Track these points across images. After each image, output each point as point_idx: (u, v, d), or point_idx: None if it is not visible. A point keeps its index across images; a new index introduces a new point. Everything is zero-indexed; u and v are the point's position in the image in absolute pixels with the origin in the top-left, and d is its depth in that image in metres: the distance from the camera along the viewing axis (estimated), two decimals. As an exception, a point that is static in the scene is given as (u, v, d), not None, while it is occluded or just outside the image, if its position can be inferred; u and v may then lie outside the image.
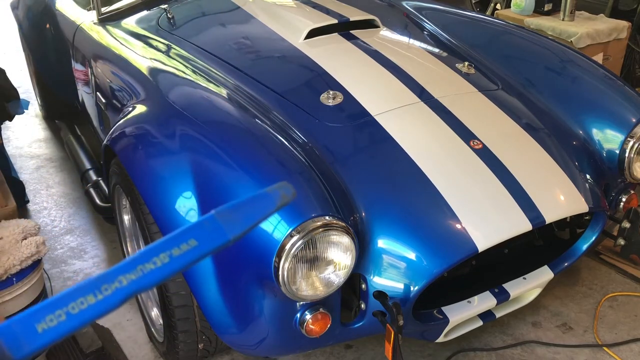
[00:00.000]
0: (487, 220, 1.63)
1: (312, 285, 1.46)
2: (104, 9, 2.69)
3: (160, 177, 1.63)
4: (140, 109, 1.89)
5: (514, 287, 1.81)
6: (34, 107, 4.08)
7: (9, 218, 2.16)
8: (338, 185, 1.62)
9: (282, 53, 2.23)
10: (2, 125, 3.21)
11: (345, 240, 1.45)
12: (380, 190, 1.65)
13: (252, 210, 0.52)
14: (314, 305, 1.53)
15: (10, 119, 3.17)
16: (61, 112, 3.60)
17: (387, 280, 1.57)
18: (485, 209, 1.65)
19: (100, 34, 2.58)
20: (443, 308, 1.73)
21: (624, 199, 1.99)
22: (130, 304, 2.30)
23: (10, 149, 3.62)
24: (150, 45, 2.35)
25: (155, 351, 2.09)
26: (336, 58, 2.17)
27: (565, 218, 1.93)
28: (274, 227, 1.41)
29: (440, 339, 1.78)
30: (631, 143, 1.94)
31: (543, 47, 2.37)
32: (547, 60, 2.29)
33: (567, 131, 2.01)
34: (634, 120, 1.98)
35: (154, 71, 2.11)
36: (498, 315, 1.87)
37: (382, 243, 1.57)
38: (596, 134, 2.00)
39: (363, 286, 1.59)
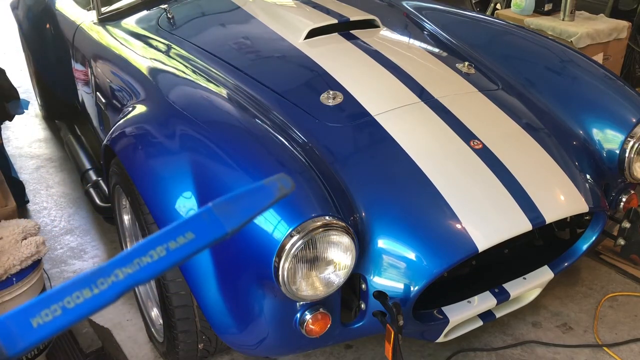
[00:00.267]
0: (487, 220, 1.63)
1: (312, 285, 1.46)
2: (104, 9, 2.69)
3: (160, 177, 1.63)
4: (140, 109, 1.88)
5: (514, 287, 1.81)
6: (34, 107, 4.08)
7: (9, 218, 2.16)
8: (338, 185, 1.62)
9: (282, 53, 2.23)
10: (2, 125, 3.21)
11: (345, 240, 1.45)
12: (380, 190, 1.65)
13: (249, 202, 0.52)
14: (314, 305, 1.53)
15: (10, 119, 3.17)
16: (61, 112, 3.60)
17: (387, 280, 1.57)
18: (485, 209, 1.65)
19: (100, 34, 2.58)
20: (443, 308, 1.73)
21: (624, 199, 1.99)
22: (130, 304, 2.30)
23: (10, 149, 3.62)
24: (150, 45, 2.35)
25: (155, 351, 2.09)
26: (336, 58, 2.17)
27: (565, 218, 1.93)
28: (274, 227, 1.41)
29: (440, 339, 1.78)
30: (631, 143, 1.94)
31: (543, 47, 2.37)
32: (547, 60, 2.29)
33: (567, 131, 2.01)
34: (634, 120, 1.98)
35: (154, 71, 2.11)
36: (498, 315, 1.87)
37: (382, 243, 1.57)
38: (596, 134, 2.00)
39: (363, 286, 1.59)
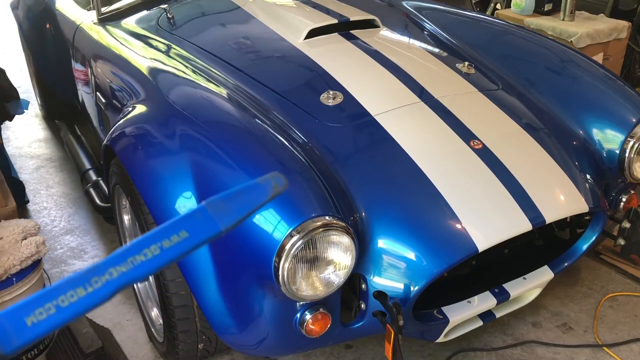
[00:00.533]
0: (487, 220, 1.63)
1: (312, 285, 1.46)
2: (104, 9, 2.69)
3: (160, 177, 1.63)
4: (140, 109, 1.89)
5: (514, 287, 1.81)
6: (34, 107, 4.08)
7: (9, 218, 2.16)
8: (338, 185, 1.62)
9: (282, 53, 2.23)
10: (2, 125, 3.21)
11: (345, 240, 1.45)
12: (380, 190, 1.65)
13: (243, 201, 0.52)
14: (314, 305, 1.53)
15: (10, 119, 3.17)
16: (61, 112, 3.60)
17: (387, 280, 1.57)
18: (486, 209, 1.65)
19: (100, 34, 2.58)
20: (443, 308, 1.73)
21: (624, 199, 1.99)
22: (130, 304, 2.30)
23: (10, 149, 3.62)
24: (150, 45, 2.35)
25: (155, 351, 2.09)
26: (336, 58, 2.17)
27: (565, 218, 1.93)
28: (274, 227, 1.41)
29: (440, 339, 1.78)
30: (631, 143, 1.94)
31: (543, 47, 2.37)
32: (547, 60, 2.29)
33: (567, 131, 2.01)
34: (634, 120, 1.98)
35: (154, 71, 2.11)
36: (498, 315, 1.87)
37: (382, 243, 1.57)
38: (596, 134, 2.00)
39: (363, 286, 1.59)
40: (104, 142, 1.93)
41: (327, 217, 1.43)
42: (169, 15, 2.57)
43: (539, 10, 3.76)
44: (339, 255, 1.46)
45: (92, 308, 0.46)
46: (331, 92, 1.95)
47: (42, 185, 3.27)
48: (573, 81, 2.17)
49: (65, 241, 2.75)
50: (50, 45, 3.24)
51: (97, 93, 2.46)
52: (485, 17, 2.86)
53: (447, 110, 1.92)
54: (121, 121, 1.87)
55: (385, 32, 2.44)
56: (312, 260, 1.44)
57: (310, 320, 1.52)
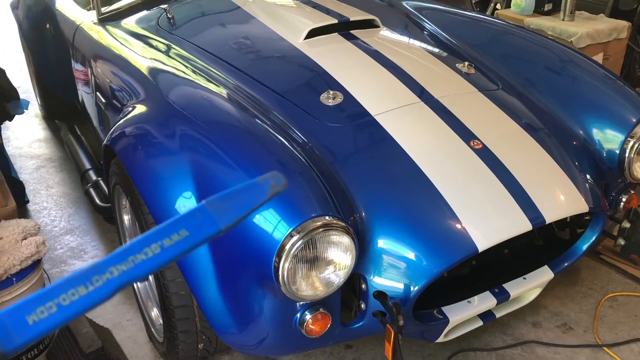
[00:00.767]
0: (487, 220, 1.63)
1: (312, 285, 1.46)
2: (104, 9, 2.69)
3: (160, 177, 1.63)
4: (140, 109, 1.89)
5: (514, 287, 1.81)
6: (34, 107, 4.08)
7: (9, 218, 2.16)
8: (338, 185, 1.62)
9: (282, 53, 2.23)
10: (2, 125, 3.21)
11: (345, 240, 1.45)
12: (380, 190, 1.65)
13: (243, 200, 0.52)
14: (314, 305, 1.53)
15: (10, 119, 3.17)
16: (61, 112, 3.60)
17: (387, 280, 1.57)
18: (485, 209, 1.65)
19: (100, 34, 2.58)
20: (443, 308, 1.73)
21: (624, 199, 1.99)
22: (130, 304, 2.30)
23: (10, 149, 3.62)
24: (150, 45, 2.35)
25: (155, 351, 2.09)
26: (336, 58, 2.17)
27: (565, 218, 1.93)
28: (274, 227, 1.41)
29: (440, 339, 1.78)
30: (631, 143, 1.94)
31: (543, 47, 2.37)
32: (547, 60, 2.29)
33: (567, 131, 2.01)
34: (634, 120, 1.98)
35: (154, 71, 2.11)
36: (498, 315, 1.87)
37: (382, 243, 1.57)
38: (596, 134, 2.00)
39: (363, 286, 1.59)
40: (104, 142, 1.93)
41: (327, 217, 1.43)
42: (169, 15, 2.57)
43: (539, 10, 3.76)
44: (339, 255, 1.46)
45: (93, 306, 0.46)
46: (331, 92, 1.95)
47: (42, 185, 3.27)
48: (573, 81, 2.17)
49: (65, 241, 2.75)
50: (50, 45, 3.24)
51: (97, 93, 2.46)
52: (485, 17, 2.86)
53: (447, 110, 1.92)
54: (121, 121, 1.87)
55: (385, 32, 2.44)
56: (312, 260, 1.44)
57: (310, 320, 1.52)
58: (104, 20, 2.66)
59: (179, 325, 1.74)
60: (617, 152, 1.96)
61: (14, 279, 1.86)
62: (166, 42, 2.37)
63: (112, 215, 2.25)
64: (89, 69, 2.55)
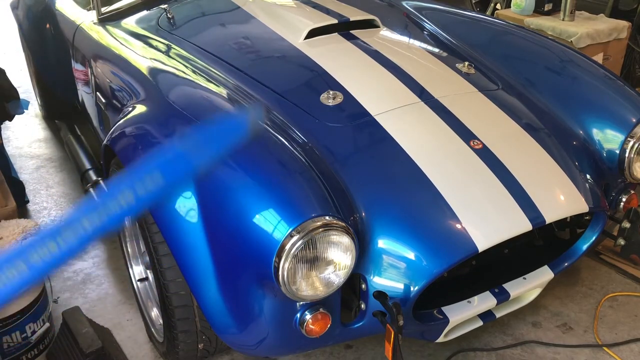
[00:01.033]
0: (487, 220, 1.63)
1: (312, 285, 1.46)
2: (104, 9, 2.69)
3: (160, 177, 1.63)
4: (140, 109, 1.89)
5: (514, 287, 1.81)
6: (34, 107, 4.08)
7: (9, 218, 2.16)
8: (338, 185, 1.62)
9: (282, 53, 2.23)
10: (2, 125, 3.21)
11: (345, 240, 1.45)
12: (380, 190, 1.65)
13: (219, 136, 0.51)
14: (314, 305, 1.53)
15: (10, 119, 3.17)
16: (61, 112, 3.59)
17: (387, 280, 1.57)
18: (485, 209, 1.65)
19: (100, 34, 2.58)
20: (443, 308, 1.73)
21: (624, 199, 1.99)
22: (131, 304, 2.30)
23: (10, 149, 3.62)
24: (150, 45, 2.35)
25: (155, 351, 2.09)
26: (336, 58, 2.17)
27: (565, 218, 1.93)
28: (274, 227, 1.41)
29: (440, 339, 1.78)
30: (631, 143, 1.94)
31: (543, 47, 2.37)
32: (547, 60, 2.29)
33: (567, 131, 2.01)
34: (634, 120, 1.98)
35: (154, 71, 2.11)
36: (498, 315, 1.87)
37: (382, 243, 1.57)
38: (596, 134, 2.00)
39: (363, 286, 1.59)
40: (104, 142, 1.93)
41: (327, 217, 1.43)
42: (169, 15, 2.57)
43: (539, 10, 3.76)
44: (339, 255, 1.46)
45: (67, 262, 0.45)
46: (331, 92, 1.95)
47: (42, 185, 3.27)
48: (573, 81, 2.17)
49: (65, 241, 2.75)
50: (50, 45, 3.24)
51: (97, 93, 2.46)
52: (485, 17, 2.86)
53: (447, 110, 1.92)
54: (121, 121, 1.87)
55: (385, 32, 2.44)
56: (312, 260, 1.44)
57: (310, 320, 1.52)
58: (104, 20, 2.66)
59: (179, 325, 1.74)
60: (617, 152, 1.96)
61: (14, 279, 1.85)
62: (166, 42, 2.37)
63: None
64: (89, 69, 2.55)
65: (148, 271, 2.14)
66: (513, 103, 2.06)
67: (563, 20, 3.61)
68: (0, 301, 0.44)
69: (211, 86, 1.97)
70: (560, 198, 1.77)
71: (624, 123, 1.98)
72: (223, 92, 1.95)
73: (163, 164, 0.49)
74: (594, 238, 1.93)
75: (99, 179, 2.61)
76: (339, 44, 2.27)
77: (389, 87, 2.02)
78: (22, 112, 3.16)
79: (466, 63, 2.21)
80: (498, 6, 4.33)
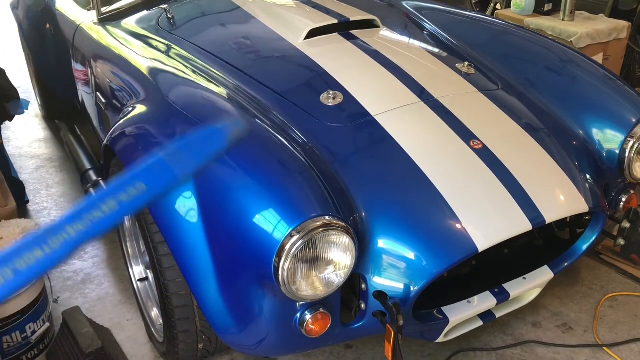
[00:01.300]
0: (487, 220, 1.63)
1: (312, 285, 1.46)
2: (104, 9, 2.69)
3: (160, 177, 1.63)
4: (140, 109, 1.89)
5: (514, 287, 1.81)
6: (34, 107, 4.08)
7: (9, 218, 2.16)
8: (338, 185, 1.62)
9: (282, 53, 2.23)
10: (2, 125, 3.21)
11: (345, 240, 1.45)
12: (380, 191, 1.65)
13: (201, 148, 0.50)
14: (314, 305, 1.53)
15: (10, 119, 3.17)
16: (61, 112, 3.60)
17: (387, 280, 1.57)
18: (485, 209, 1.65)
19: (100, 34, 2.58)
20: (443, 308, 1.73)
21: (624, 199, 1.99)
22: (131, 304, 2.30)
23: (10, 149, 3.62)
24: (150, 45, 2.35)
25: (155, 351, 2.09)
26: (336, 58, 2.17)
27: (565, 218, 1.93)
28: (274, 227, 1.41)
29: (440, 339, 1.78)
30: (631, 143, 1.94)
31: (543, 47, 2.37)
32: (547, 60, 2.29)
33: (567, 131, 2.01)
34: (634, 120, 1.98)
35: (154, 71, 2.11)
36: (498, 315, 1.87)
37: (382, 243, 1.57)
38: (596, 134, 2.00)
39: (363, 286, 1.59)
40: (104, 142, 1.93)
41: (327, 217, 1.43)
42: (169, 16, 2.57)
43: (539, 10, 3.76)
44: (339, 255, 1.46)
45: (52, 267, 0.45)
46: (331, 92, 1.95)
47: (42, 185, 3.27)
48: (573, 81, 2.17)
49: (65, 241, 2.75)
50: (50, 45, 3.24)
51: (97, 93, 2.46)
52: (485, 17, 2.86)
53: (447, 110, 1.92)
54: (121, 121, 1.87)
55: (385, 32, 2.44)
56: (312, 260, 1.44)
57: (310, 320, 1.52)
58: (104, 21, 2.66)
59: (179, 325, 1.74)
60: (617, 152, 1.96)
61: (14, 279, 1.85)
62: (166, 42, 2.37)
63: (112, 215, 2.24)
64: (89, 69, 2.55)
65: (148, 271, 2.14)
66: (513, 103, 2.06)
67: (563, 20, 3.61)
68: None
69: (211, 86, 1.97)
70: (560, 198, 1.77)
71: (624, 123, 1.98)
72: (223, 92, 1.95)
73: (145, 172, 0.49)
74: (594, 238, 1.93)
75: (99, 179, 2.61)
76: (339, 44, 2.27)
77: (389, 87, 2.02)
78: (22, 112, 3.16)
79: (466, 63, 2.21)
80: (498, 6, 4.34)
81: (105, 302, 2.34)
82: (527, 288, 1.83)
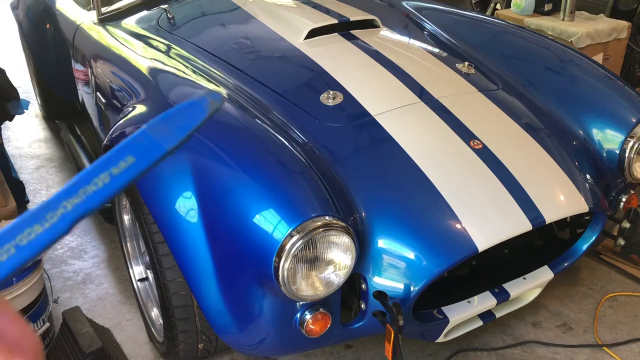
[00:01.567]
0: (487, 220, 1.63)
1: (312, 285, 1.46)
2: (104, 9, 2.69)
3: (161, 177, 1.63)
4: (140, 109, 1.89)
5: (514, 287, 1.81)
6: (34, 107, 4.08)
7: (9, 218, 2.16)
8: (338, 185, 1.62)
9: (282, 53, 2.24)
10: (2, 125, 3.21)
11: (345, 240, 1.45)
12: (380, 190, 1.65)
13: (183, 120, 0.52)
14: (314, 305, 1.53)
15: (10, 119, 3.17)
16: (61, 112, 3.60)
17: (387, 280, 1.57)
18: (485, 209, 1.65)
19: (100, 34, 2.58)
20: (443, 308, 1.73)
21: (624, 199, 1.99)
22: (131, 304, 2.30)
23: (10, 149, 3.62)
24: (150, 45, 2.35)
25: (155, 351, 2.09)
26: (336, 58, 2.17)
27: (565, 218, 1.93)
28: (274, 227, 1.41)
29: (440, 339, 1.78)
30: (631, 143, 1.94)
31: (543, 47, 2.37)
32: (547, 60, 2.29)
33: (567, 131, 2.01)
34: (634, 120, 1.98)
35: (154, 71, 2.11)
36: (498, 315, 1.87)
37: (382, 243, 1.57)
38: (596, 134, 2.00)
39: (363, 286, 1.59)
40: (104, 142, 1.93)
41: (327, 217, 1.43)
42: (169, 16, 2.57)
43: (539, 10, 3.76)
44: (339, 255, 1.47)
45: (53, 243, 0.46)
46: (331, 92, 1.95)
47: (42, 185, 3.27)
48: (573, 81, 2.17)
49: (65, 241, 2.75)
50: (50, 45, 3.24)
51: (97, 93, 2.46)
52: (485, 17, 2.86)
53: (447, 110, 1.92)
54: (121, 121, 1.87)
55: (385, 32, 2.44)
56: (312, 260, 1.44)
57: (310, 320, 1.52)
58: (104, 21, 2.66)
59: (179, 325, 1.74)
60: (617, 152, 1.96)
61: (14, 279, 1.86)
62: (166, 42, 2.37)
63: (112, 216, 2.25)
64: (89, 69, 2.55)
65: (148, 271, 2.14)
66: (513, 103, 2.06)
67: (563, 20, 3.61)
68: None
69: (211, 86, 1.97)
70: (560, 198, 1.77)
71: (624, 123, 1.98)
72: (223, 92, 1.95)
73: (133, 146, 0.50)
74: (594, 238, 1.93)
75: (99, 179, 2.61)
76: (339, 44, 2.27)
77: (389, 87, 2.02)
78: (22, 112, 3.16)
79: (466, 63, 2.21)
80: (498, 6, 4.34)
81: (105, 302, 2.34)
82: (527, 288, 1.83)
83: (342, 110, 1.91)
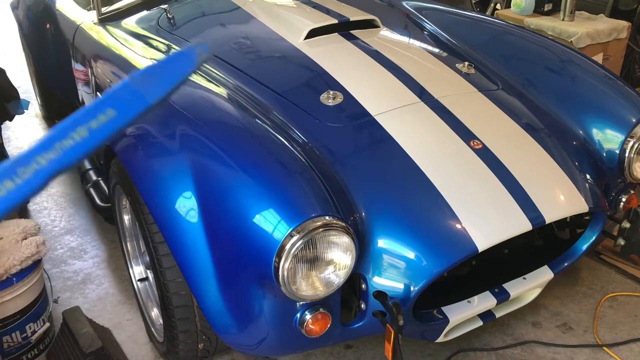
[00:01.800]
0: (487, 220, 1.63)
1: (312, 285, 1.46)
2: (104, 9, 2.69)
3: (160, 177, 1.64)
4: (140, 109, 1.88)
5: (514, 287, 1.81)
6: (34, 107, 4.08)
7: (9, 218, 2.16)
8: (338, 185, 1.62)
9: (282, 53, 2.23)
10: (2, 125, 3.20)
11: (345, 240, 1.45)
12: (380, 190, 1.65)
13: (170, 71, 0.49)
14: (314, 305, 1.53)
15: (10, 119, 3.17)
16: (61, 112, 3.60)
17: (387, 280, 1.57)
18: (485, 209, 1.65)
19: (100, 34, 2.58)
20: (443, 308, 1.73)
21: (624, 199, 1.99)
22: (131, 304, 2.30)
23: (10, 149, 3.62)
24: (150, 45, 2.35)
25: (155, 351, 2.09)
26: (336, 58, 2.17)
27: (565, 218, 1.93)
28: (274, 227, 1.41)
29: (440, 339, 1.78)
30: (631, 143, 1.94)
31: (543, 47, 2.37)
32: (547, 60, 2.29)
33: (567, 131, 2.01)
34: (634, 120, 1.98)
35: (154, 71, 2.11)
36: (498, 315, 1.87)
37: (382, 243, 1.57)
38: (596, 134, 2.00)
39: (363, 286, 1.59)
40: (104, 142, 1.93)
41: (327, 217, 1.43)
42: (169, 16, 2.57)
43: (539, 10, 3.76)
44: (339, 255, 1.47)
45: (25, 199, 0.44)
46: (331, 92, 1.95)
47: (42, 185, 3.26)
48: (573, 81, 2.17)
49: (65, 241, 2.75)
50: (50, 45, 3.24)
51: (97, 93, 2.46)
52: (485, 17, 2.86)
53: (447, 110, 1.92)
54: (121, 121, 1.87)
55: (385, 32, 2.44)
56: (312, 260, 1.44)
57: (310, 320, 1.52)
58: (104, 21, 2.66)
59: (179, 325, 1.74)
60: (617, 152, 1.96)
61: (14, 279, 1.86)
62: (166, 42, 2.37)
63: (112, 216, 2.25)
64: (89, 69, 2.55)
65: (148, 271, 2.14)
66: (513, 103, 2.06)
67: (563, 20, 3.61)
68: None
69: (211, 86, 1.97)
70: (560, 198, 1.77)
71: (624, 123, 1.98)
72: (223, 92, 1.95)
73: (114, 98, 0.48)
74: (593, 238, 1.93)
75: (99, 179, 2.61)
76: (339, 44, 2.27)
77: (389, 87, 2.02)
78: (22, 112, 3.16)
79: (466, 63, 2.21)
80: (498, 6, 4.34)
81: (105, 302, 2.34)
82: (527, 288, 1.83)
83: (342, 110, 1.91)
